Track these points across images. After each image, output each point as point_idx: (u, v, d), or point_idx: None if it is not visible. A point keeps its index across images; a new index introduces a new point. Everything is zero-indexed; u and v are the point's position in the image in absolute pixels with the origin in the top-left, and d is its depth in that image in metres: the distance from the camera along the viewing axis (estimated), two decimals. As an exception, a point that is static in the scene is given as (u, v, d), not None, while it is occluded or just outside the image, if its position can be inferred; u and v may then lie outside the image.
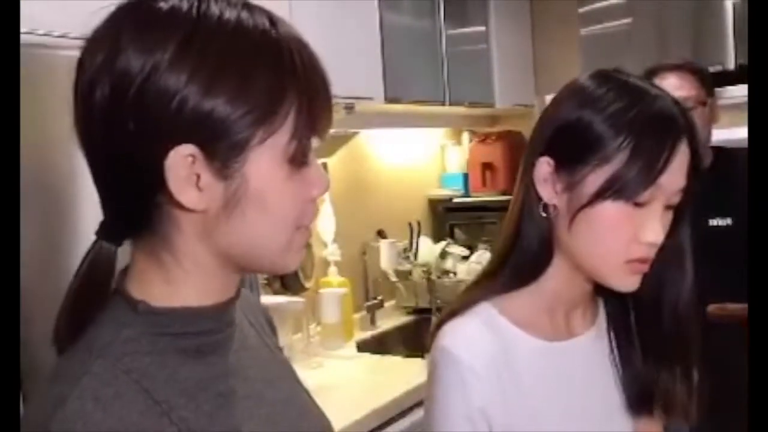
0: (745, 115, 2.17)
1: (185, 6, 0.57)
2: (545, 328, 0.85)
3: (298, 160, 0.59)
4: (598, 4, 2.84)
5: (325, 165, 2.32)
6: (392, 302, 2.67)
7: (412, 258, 2.68)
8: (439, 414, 0.82)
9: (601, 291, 0.88)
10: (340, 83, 2.41)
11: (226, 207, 0.57)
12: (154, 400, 0.56)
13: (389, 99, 2.22)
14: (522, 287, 0.84)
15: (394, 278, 2.61)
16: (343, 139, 2.31)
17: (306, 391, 0.77)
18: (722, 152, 1.82)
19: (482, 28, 2.80)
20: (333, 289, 2.27)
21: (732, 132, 1.81)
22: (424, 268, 2.66)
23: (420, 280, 2.65)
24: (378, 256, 2.59)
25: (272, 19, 0.59)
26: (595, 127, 0.77)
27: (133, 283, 0.61)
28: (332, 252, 2.33)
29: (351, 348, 2.25)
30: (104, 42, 0.56)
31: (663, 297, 0.85)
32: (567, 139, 0.79)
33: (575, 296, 0.87)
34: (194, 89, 0.54)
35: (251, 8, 0.59)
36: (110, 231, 0.60)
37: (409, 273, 2.67)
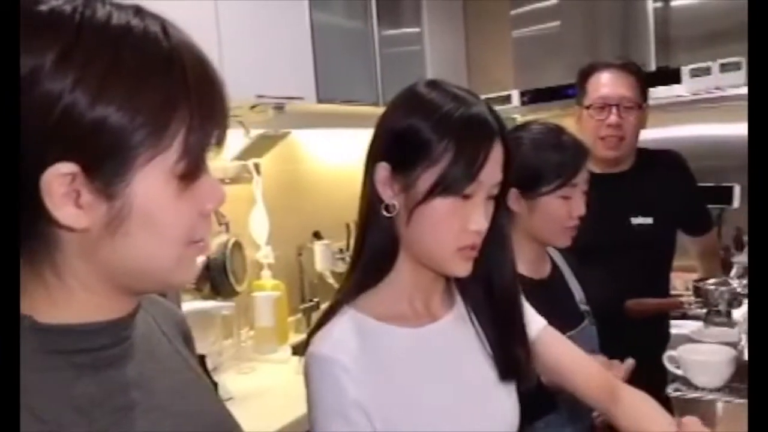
0: (666, 116, 2.25)
1: (68, 9, 0.53)
2: (408, 317, 0.92)
3: (190, 176, 0.57)
4: (528, 7, 2.90)
5: (257, 165, 2.29)
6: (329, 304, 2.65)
7: (348, 259, 2.67)
8: (318, 416, 0.84)
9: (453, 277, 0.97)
10: (270, 83, 2.38)
11: (109, 226, 0.55)
12: (41, 420, 0.53)
13: (321, 99, 2.21)
14: (376, 284, 0.91)
15: (330, 279, 2.59)
16: (275, 139, 2.27)
17: (222, 404, 0.75)
18: (644, 153, 1.87)
19: (416, 30, 2.82)
20: (266, 292, 2.24)
21: (653, 133, 1.86)
22: (361, 269, 2.65)
23: (357, 281, 2.64)
24: (314, 258, 2.57)
25: (165, 27, 0.56)
26: (423, 133, 0.85)
27: (21, 297, 0.57)
28: (266, 254, 2.29)
29: (285, 351, 2.22)
30: None
31: (492, 276, 0.95)
32: (400, 145, 0.87)
33: (427, 284, 0.94)
34: (80, 96, 0.51)
35: (143, 14, 0.56)
36: None
37: (346, 274, 2.66)
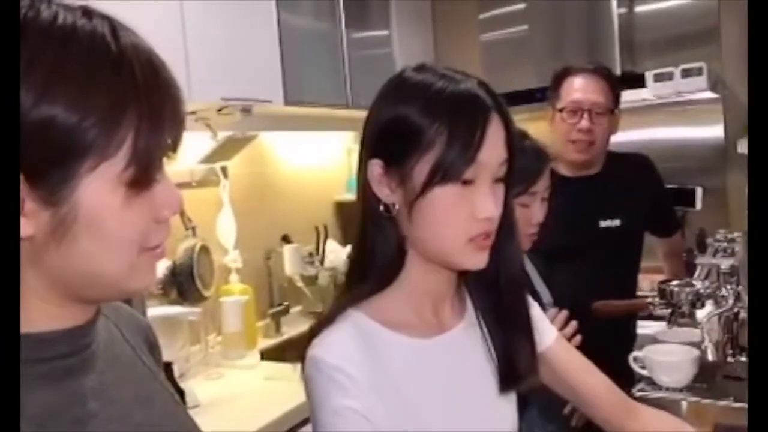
0: (631, 120, 2.28)
1: None
2: (416, 326, 0.86)
3: (141, 182, 0.55)
4: (496, 11, 2.92)
5: (224, 168, 2.26)
6: (298, 308, 2.63)
7: (317, 263, 2.65)
8: (321, 420, 0.80)
9: (464, 278, 0.91)
10: (237, 85, 2.35)
11: (55, 233, 0.53)
12: None
13: (289, 102, 2.19)
14: (384, 288, 0.85)
15: (300, 283, 2.57)
16: (242, 141, 2.25)
17: (186, 413, 0.74)
18: (613, 156, 1.90)
19: (385, 32, 2.82)
20: (234, 297, 2.21)
21: (618, 135, 1.89)
22: (331, 273, 2.64)
23: (327, 285, 2.63)
24: (283, 262, 2.55)
25: (114, 28, 0.55)
26: (413, 118, 0.79)
27: None
28: (233, 259, 2.27)
29: (254, 357, 2.19)
30: None
31: (500, 267, 0.87)
32: (390, 137, 0.81)
33: (439, 288, 0.88)
34: (24, 97, 0.50)
35: (91, 14, 0.55)
36: None
37: (316, 277, 2.64)
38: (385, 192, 0.81)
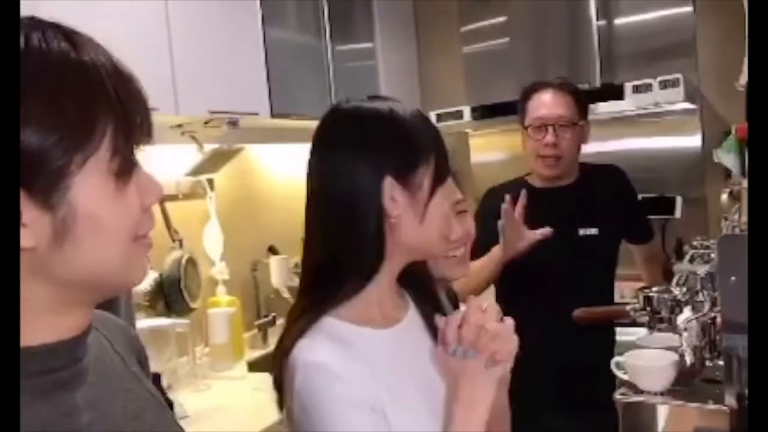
0: (612, 130, 2.32)
1: None
2: (378, 320, 0.94)
3: (124, 172, 0.58)
4: (478, 24, 2.97)
5: (211, 181, 2.28)
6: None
7: (304, 273, 2.66)
8: (329, 415, 0.83)
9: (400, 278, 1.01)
10: (223, 98, 2.36)
11: (56, 237, 0.54)
12: None
13: (275, 114, 2.21)
14: (361, 291, 0.91)
15: (286, 294, 2.58)
16: (229, 154, 2.26)
17: (176, 424, 0.75)
18: (587, 168, 1.94)
19: (369, 45, 2.85)
20: (221, 308, 2.22)
21: (599, 146, 1.93)
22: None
23: (313, 296, 2.64)
24: (269, 273, 2.56)
25: (68, 35, 0.56)
26: (416, 134, 0.91)
27: None
28: (220, 270, 2.28)
29: (241, 368, 2.20)
30: None
31: (425, 267, 1.03)
32: (400, 154, 0.90)
33: (393, 287, 0.98)
34: None
35: (44, 27, 0.56)
36: None
37: (302, 288, 2.65)
38: (393, 207, 0.89)
